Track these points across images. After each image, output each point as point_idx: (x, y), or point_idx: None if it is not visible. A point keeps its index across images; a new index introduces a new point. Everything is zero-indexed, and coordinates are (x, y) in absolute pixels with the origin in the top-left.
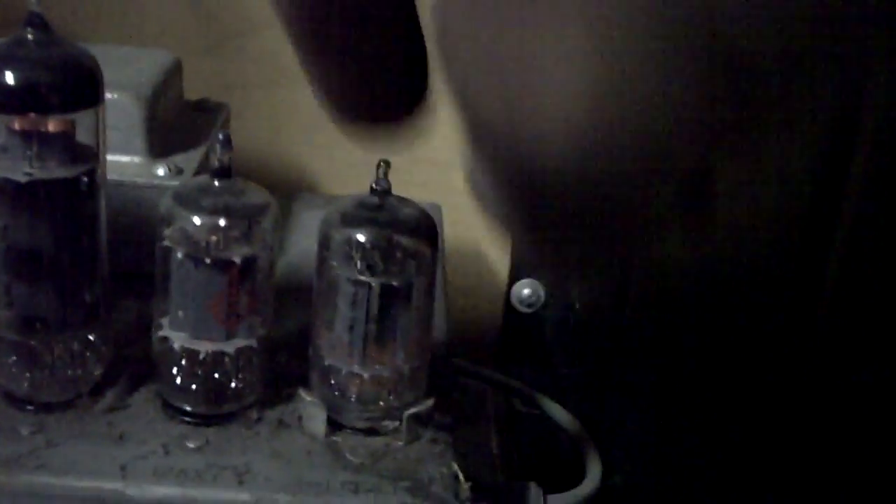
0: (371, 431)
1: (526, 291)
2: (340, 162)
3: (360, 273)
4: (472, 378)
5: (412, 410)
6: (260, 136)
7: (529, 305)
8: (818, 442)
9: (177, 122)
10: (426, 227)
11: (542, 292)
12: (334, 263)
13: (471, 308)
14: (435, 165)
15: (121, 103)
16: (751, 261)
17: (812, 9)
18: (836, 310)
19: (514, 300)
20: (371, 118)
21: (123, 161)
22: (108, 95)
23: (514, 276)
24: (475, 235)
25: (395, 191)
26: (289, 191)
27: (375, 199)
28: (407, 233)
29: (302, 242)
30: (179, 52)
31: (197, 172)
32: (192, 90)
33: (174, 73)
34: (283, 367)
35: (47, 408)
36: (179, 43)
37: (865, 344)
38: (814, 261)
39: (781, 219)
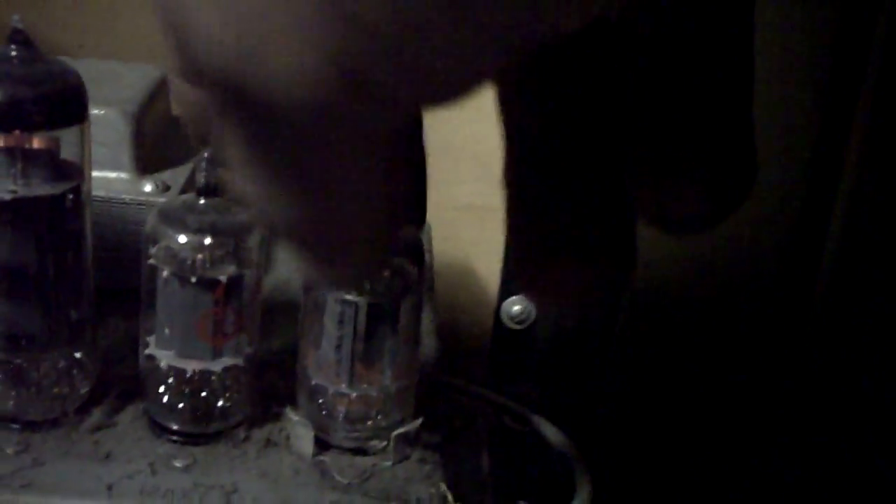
0: (359, 451)
1: (516, 308)
2: None
3: (348, 292)
4: (462, 395)
5: (400, 430)
6: None
7: (520, 322)
8: (816, 457)
9: (164, 137)
10: (413, 247)
11: (532, 309)
12: None
13: (461, 325)
14: None
15: (107, 119)
16: (745, 276)
17: None
18: (830, 327)
19: (504, 317)
20: None
21: (110, 177)
22: (94, 111)
23: (505, 293)
24: (465, 252)
25: None
26: None
27: None
28: (394, 252)
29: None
30: (167, 67)
31: (184, 189)
32: None
33: (161, 87)
34: (271, 385)
35: (33, 426)
36: (165, 58)
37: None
38: (806, 271)
39: (774, 229)
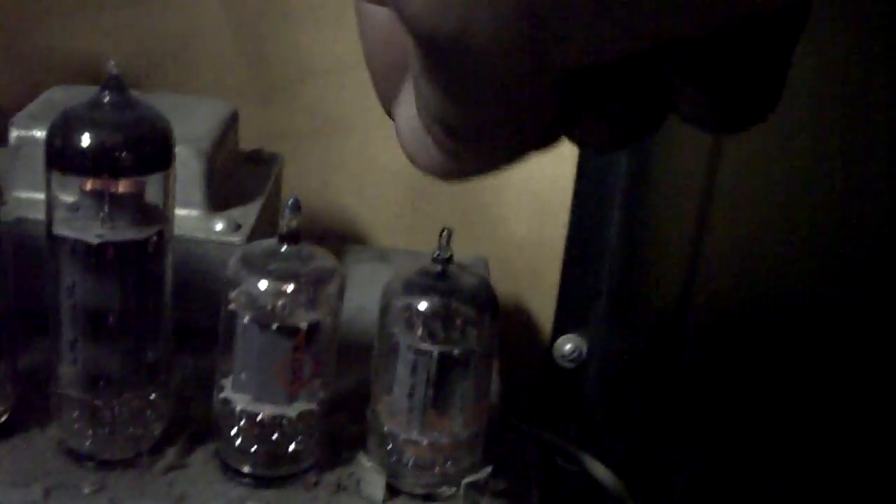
0: (428, 497)
1: (568, 346)
2: (388, 214)
3: (422, 341)
4: (514, 434)
5: (471, 478)
6: (310, 186)
7: (572, 361)
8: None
9: (233, 173)
10: (486, 297)
11: (584, 348)
12: (395, 331)
13: (513, 363)
14: (483, 219)
15: (181, 156)
16: (819, 305)
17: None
18: None
19: (556, 355)
20: None
21: (181, 214)
22: None
23: (557, 331)
24: (519, 289)
25: None
26: (339, 242)
27: (437, 267)
28: (467, 302)
29: (353, 297)
30: (231, 99)
31: (255, 228)
32: (243, 138)
33: (232, 124)
34: (341, 429)
35: (108, 465)
36: (232, 90)
37: None
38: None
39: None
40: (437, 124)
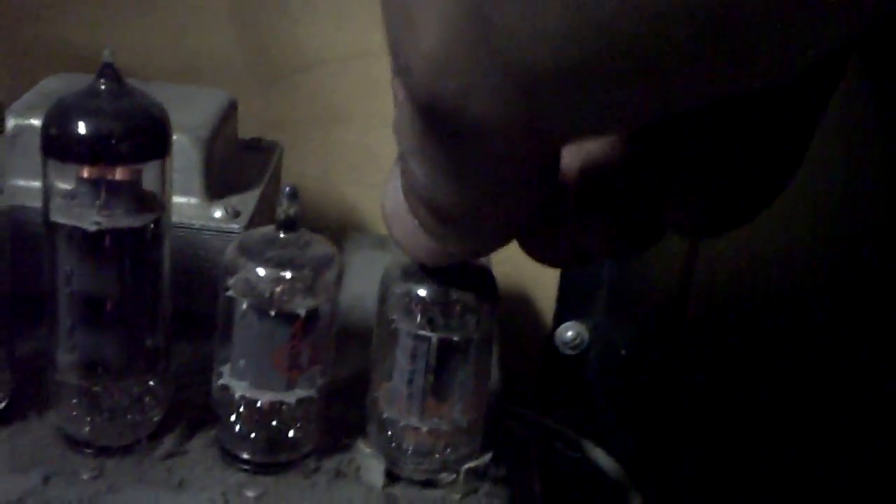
0: (428, 484)
1: (570, 334)
2: None
3: (420, 328)
4: (516, 421)
5: (470, 464)
6: (310, 174)
7: (573, 348)
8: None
9: (232, 162)
10: (486, 283)
11: (586, 335)
12: (394, 317)
13: (514, 349)
14: None
15: (179, 145)
16: (822, 294)
17: None
18: None
19: (558, 342)
20: None
21: (180, 202)
22: None
23: (559, 319)
24: (521, 276)
25: None
26: (338, 230)
27: None
28: (467, 288)
29: (352, 284)
30: (230, 89)
31: (253, 216)
32: (243, 127)
33: (230, 113)
34: (340, 415)
35: (107, 452)
36: (231, 79)
37: None
38: None
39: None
40: (424, 206)
